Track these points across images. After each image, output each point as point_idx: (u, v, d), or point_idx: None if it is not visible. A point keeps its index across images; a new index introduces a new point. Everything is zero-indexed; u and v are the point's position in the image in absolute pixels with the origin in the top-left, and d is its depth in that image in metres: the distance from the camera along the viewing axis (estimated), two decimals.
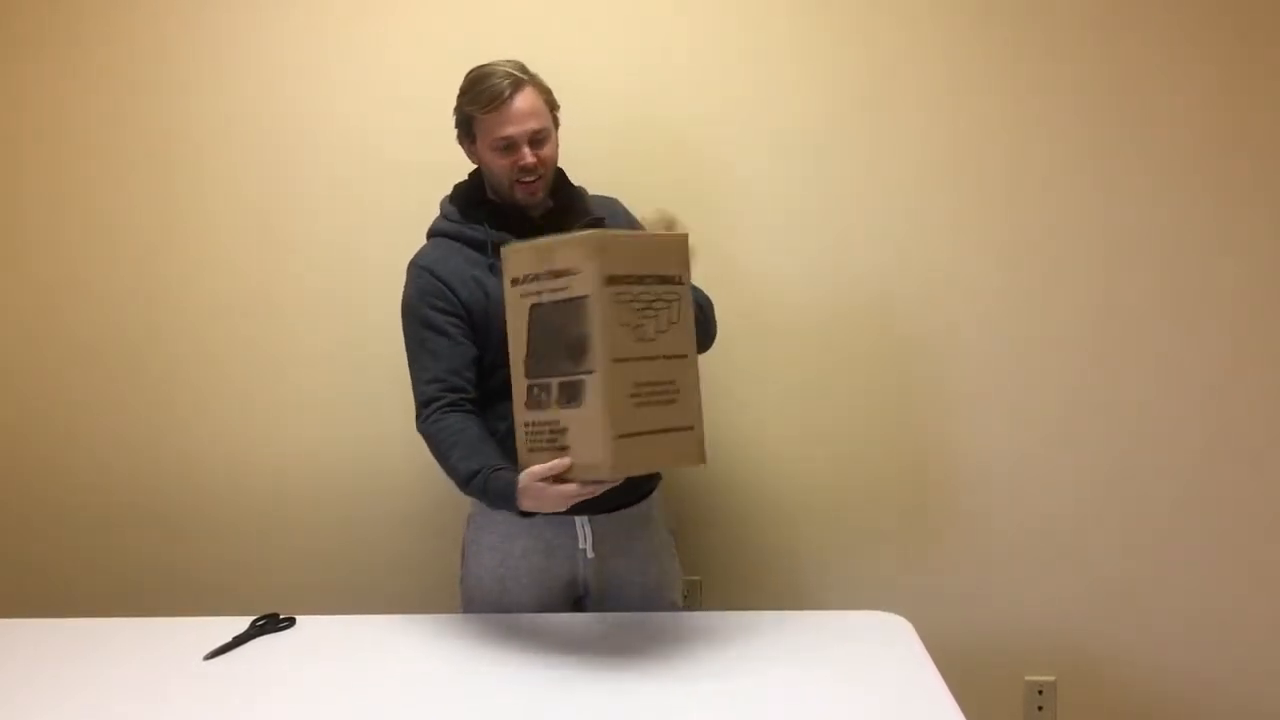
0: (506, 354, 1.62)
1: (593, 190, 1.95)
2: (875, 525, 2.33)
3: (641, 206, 2.00)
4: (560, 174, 1.89)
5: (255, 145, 2.29)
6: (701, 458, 1.58)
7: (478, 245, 1.82)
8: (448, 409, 1.75)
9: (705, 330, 1.82)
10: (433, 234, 1.89)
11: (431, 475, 2.29)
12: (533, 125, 1.77)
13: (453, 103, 2.23)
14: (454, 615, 1.83)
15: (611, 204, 1.97)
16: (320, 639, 1.74)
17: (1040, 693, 2.35)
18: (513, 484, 1.58)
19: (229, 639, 1.72)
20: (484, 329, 1.78)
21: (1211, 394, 2.27)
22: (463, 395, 1.76)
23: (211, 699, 1.53)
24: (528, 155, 1.77)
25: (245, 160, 2.29)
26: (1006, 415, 2.30)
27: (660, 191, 2.24)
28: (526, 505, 1.58)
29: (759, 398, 2.32)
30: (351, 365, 2.33)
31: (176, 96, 2.28)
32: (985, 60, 2.22)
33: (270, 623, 1.78)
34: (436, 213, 1.90)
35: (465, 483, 1.68)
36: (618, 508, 1.84)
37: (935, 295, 2.28)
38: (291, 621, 1.79)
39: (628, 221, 1.96)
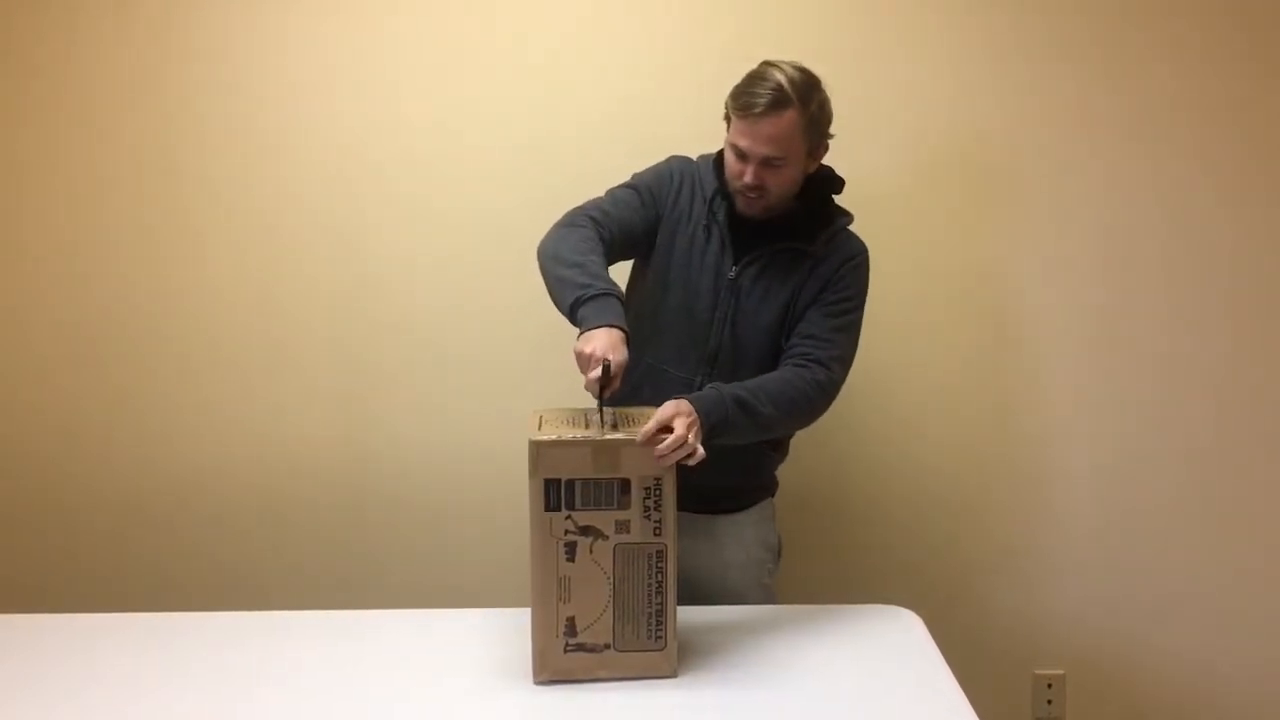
0: (661, 298, 1.81)
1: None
2: (885, 519, 2.33)
3: None
4: (820, 195, 1.83)
5: (260, 144, 2.27)
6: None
7: (707, 198, 1.83)
8: (596, 229, 1.76)
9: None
10: (704, 158, 1.88)
11: (432, 473, 2.31)
12: (766, 151, 1.70)
13: (454, 104, 2.23)
14: (457, 610, 1.81)
15: (844, 252, 1.84)
16: (320, 637, 1.72)
17: (1049, 686, 2.35)
18: (602, 312, 1.59)
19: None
20: (657, 246, 1.83)
21: (1220, 391, 2.27)
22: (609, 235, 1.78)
23: (211, 698, 1.52)
24: (749, 174, 1.73)
25: (249, 159, 2.27)
26: (1014, 412, 2.29)
27: None
28: (583, 334, 1.59)
29: None
30: (354, 364, 2.32)
31: (181, 96, 2.26)
32: (990, 55, 2.21)
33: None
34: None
35: (575, 287, 1.64)
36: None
37: (940, 293, 2.27)
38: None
39: (834, 280, 1.82)
